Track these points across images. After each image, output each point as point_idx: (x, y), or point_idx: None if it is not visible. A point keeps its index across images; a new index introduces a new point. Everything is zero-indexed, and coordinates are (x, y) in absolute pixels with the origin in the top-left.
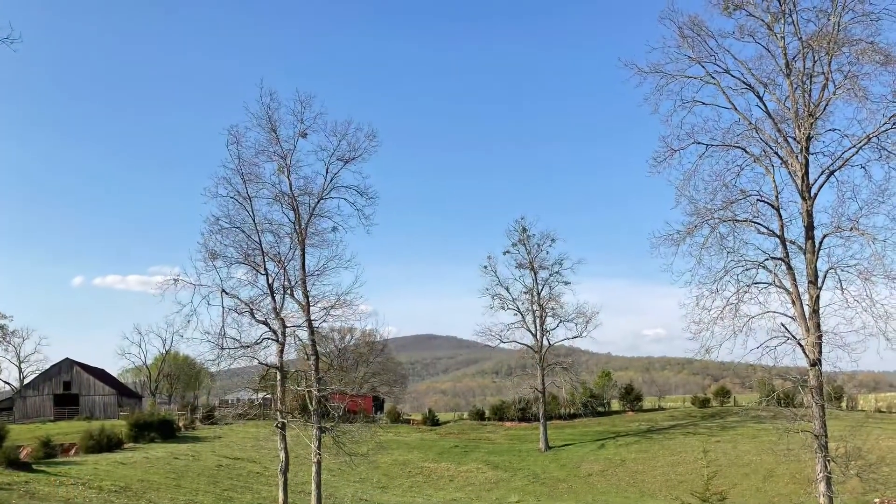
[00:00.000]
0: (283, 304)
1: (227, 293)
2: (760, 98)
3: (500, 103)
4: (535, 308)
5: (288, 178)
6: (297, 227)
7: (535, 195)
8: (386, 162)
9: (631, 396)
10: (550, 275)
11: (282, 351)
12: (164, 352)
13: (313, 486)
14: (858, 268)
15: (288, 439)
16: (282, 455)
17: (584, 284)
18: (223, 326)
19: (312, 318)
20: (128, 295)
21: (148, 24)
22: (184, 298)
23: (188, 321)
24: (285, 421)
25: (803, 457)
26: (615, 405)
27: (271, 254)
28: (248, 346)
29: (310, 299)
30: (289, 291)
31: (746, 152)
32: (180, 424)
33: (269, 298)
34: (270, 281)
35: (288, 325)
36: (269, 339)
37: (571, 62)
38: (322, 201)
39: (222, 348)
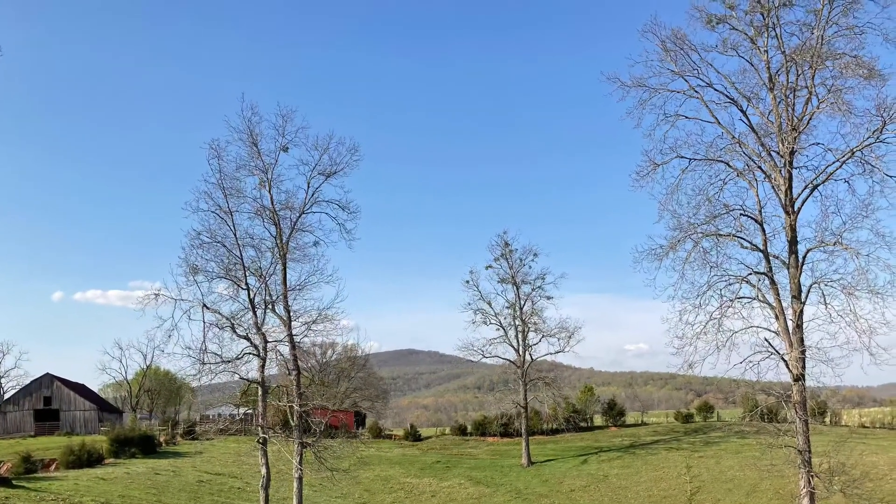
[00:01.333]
0: (264, 319)
1: (208, 308)
2: (744, 112)
3: (483, 117)
4: (517, 323)
5: (269, 192)
6: (278, 242)
7: (518, 209)
8: (367, 176)
9: (614, 412)
10: (533, 289)
11: (263, 366)
12: (145, 367)
13: (295, 502)
14: (842, 283)
15: (269, 455)
16: (263, 470)
17: (566, 299)
18: (204, 341)
19: (294, 332)
20: (108, 310)
21: (129, 38)
22: (165, 313)
23: (169, 336)
24: (267, 436)
25: (787, 472)
26: (598, 420)
27: (252, 268)
28: (229, 361)
29: (291, 314)
30: (270, 306)
31: (730, 166)
32: (161, 440)
33: (251, 313)
34: (252, 296)
35: (269, 340)
36: (250, 354)
37: (555, 76)
38: (303, 216)
39: (203, 363)
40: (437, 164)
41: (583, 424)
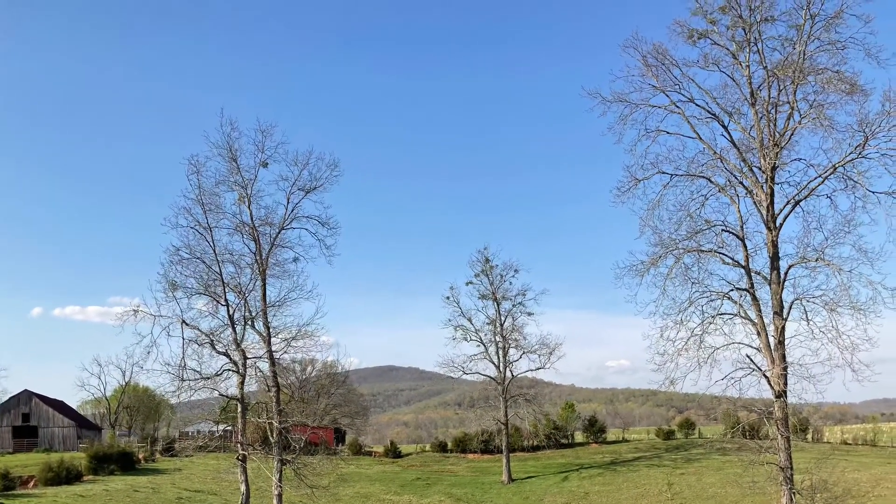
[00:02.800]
0: (243, 336)
1: (187, 324)
2: (725, 127)
3: (463, 133)
4: (497, 339)
5: (249, 208)
6: (257, 258)
7: (499, 225)
8: (347, 192)
9: (595, 428)
10: (513, 306)
11: (242, 382)
12: (124, 383)
13: None
14: (824, 299)
15: (249, 472)
16: (242, 488)
17: (547, 315)
18: (183, 358)
19: (273, 349)
20: (87, 326)
21: (108, 52)
22: (143, 329)
23: (148, 352)
24: (246, 453)
25: (769, 489)
26: (579, 437)
27: (232, 284)
28: (208, 378)
29: (271, 330)
30: (249, 322)
31: (711, 182)
32: (140, 457)
33: (230, 329)
34: (231, 312)
35: (249, 357)
36: (229, 370)
37: (535, 91)
38: (283, 231)
39: (182, 380)
40: (416, 177)
41: (564, 441)
